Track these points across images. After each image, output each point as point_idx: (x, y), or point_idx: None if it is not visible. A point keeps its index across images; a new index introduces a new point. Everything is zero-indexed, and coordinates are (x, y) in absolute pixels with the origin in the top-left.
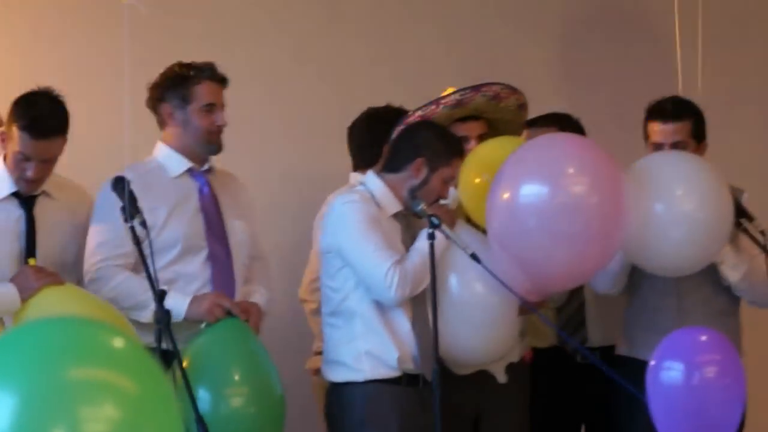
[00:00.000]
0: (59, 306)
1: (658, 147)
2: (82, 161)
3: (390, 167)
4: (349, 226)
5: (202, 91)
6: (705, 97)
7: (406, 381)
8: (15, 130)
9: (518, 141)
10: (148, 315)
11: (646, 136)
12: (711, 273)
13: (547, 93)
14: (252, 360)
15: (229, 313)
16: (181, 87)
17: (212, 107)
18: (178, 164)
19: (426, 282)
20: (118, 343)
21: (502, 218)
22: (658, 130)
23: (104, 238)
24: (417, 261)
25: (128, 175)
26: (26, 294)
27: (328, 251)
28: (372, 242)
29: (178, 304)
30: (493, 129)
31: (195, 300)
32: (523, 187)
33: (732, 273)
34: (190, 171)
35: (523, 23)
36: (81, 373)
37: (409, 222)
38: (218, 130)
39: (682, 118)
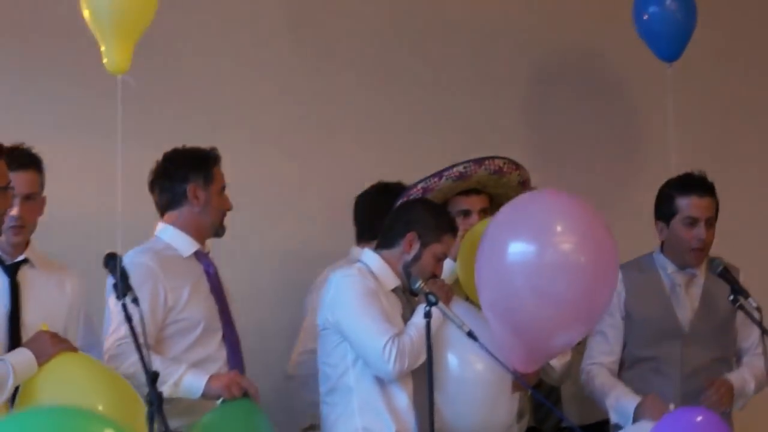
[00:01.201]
0: (73, 375)
1: (693, 221)
2: (74, 233)
3: (384, 243)
4: (347, 299)
5: (219, 174)
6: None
7: None
8: None
9: None
10: (167, 390)
11: (671, 212)
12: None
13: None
14: None
15: (245, 394)
16: (203, 168)
17: (224, 189)
18: (188, 245)
19: (424, 357)
20: None
21: (491, 280)
22: (696, 204)
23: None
24: (414, 336)
25: (145, 258)
26: (42, 360)
27: (325, 327)
28: (370, 315)
29: (197, 380)
30: (496, 204)
31: (213, 378)
32: (510, 246)
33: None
34: (196, 253)
35: (490, 89)
36: None
37: (409, 298)
38: (226, 214)
39: (714, 195)
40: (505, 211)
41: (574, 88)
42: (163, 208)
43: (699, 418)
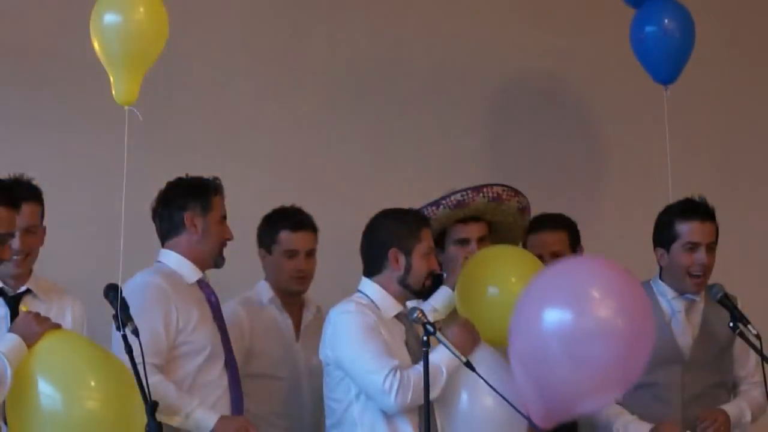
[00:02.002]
0: (64, 353)
1: (694, 247)
2: (77, 262)
3: (372, 270)
4: (347, 335)
5: (218, 203)
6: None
7: None
8: None
9: (516, 250)
10: (177, 420)
11: (671, 237)
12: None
13: None
14: None
15: None
16: (202, 196)
17: (225, 219)
18: (192, 273)
19: (435, 392)
20: None
21: (525, 340)
22: (697, 229)
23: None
24: (422, 369)
25: (157, 278)
26: (31, 341)
27: (327, 363)
28: (370, 349)
29: (208, 417)
30: (494, 231)
31: (224, 419)
32: (547, 310)
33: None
34: (198, 281)
35: (456, 116)
36: None
37: (413, 323)
38: (226, 244)
39: (714, 220)
40: (542, 275)
41: (561, 115)
42: (164, 237)
43: None
